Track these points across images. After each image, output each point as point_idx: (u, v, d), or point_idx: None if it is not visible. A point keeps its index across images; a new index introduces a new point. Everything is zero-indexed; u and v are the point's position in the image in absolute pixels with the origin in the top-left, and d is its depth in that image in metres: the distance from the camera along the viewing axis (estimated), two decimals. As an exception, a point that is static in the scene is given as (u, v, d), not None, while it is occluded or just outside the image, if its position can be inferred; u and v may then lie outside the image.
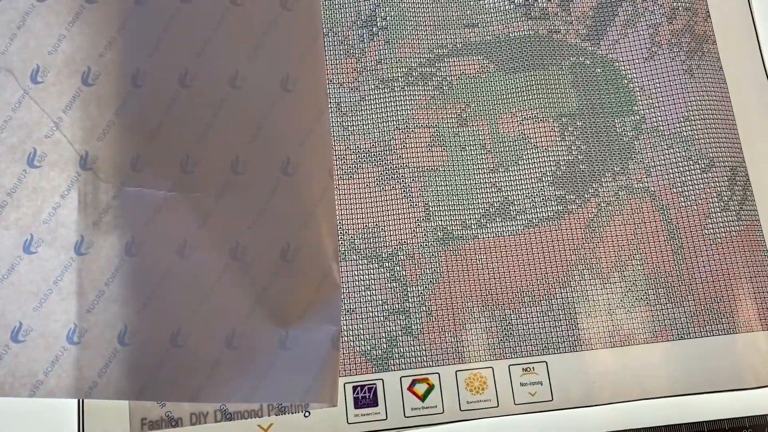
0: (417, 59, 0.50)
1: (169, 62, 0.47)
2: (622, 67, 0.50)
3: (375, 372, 0.45)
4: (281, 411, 0.44)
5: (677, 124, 0.49)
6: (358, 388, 0.45)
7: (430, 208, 0.47)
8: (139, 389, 0.43)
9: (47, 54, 0.47)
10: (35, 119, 0.46)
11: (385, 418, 0.44)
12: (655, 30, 0.51)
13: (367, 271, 0.46)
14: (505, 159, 0.49)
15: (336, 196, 0.48)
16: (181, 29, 0.47)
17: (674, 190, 0.48)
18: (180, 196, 0.46)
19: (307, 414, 0.44)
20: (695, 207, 0.48)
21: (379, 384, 0.45)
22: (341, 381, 0.45)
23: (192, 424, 0.44)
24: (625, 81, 0.50)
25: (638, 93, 0.50)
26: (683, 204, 0.48)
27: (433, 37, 0.51)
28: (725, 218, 0.48)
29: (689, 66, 0.50)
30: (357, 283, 0.46)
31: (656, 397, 0.45)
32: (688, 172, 0.48)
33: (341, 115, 0.49)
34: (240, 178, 0.46)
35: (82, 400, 0.44)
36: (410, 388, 0.45)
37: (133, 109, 0.47)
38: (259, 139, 0.46)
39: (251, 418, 0.44)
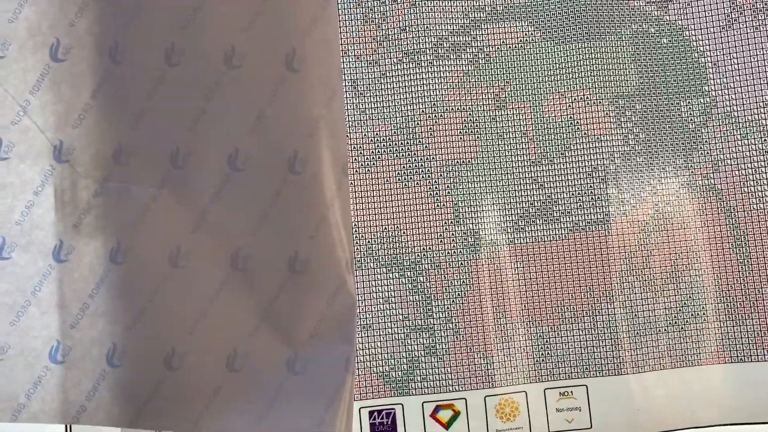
0: (449, 26, 0.43)
1: (153, 34, 0.41)
2: (693, 38, 0.44)
3: (394, 396, 0.42)
4: (290, 438, 0.41)
5: (755, 110, 0.43)
6: (375, 414, 0.42)
7: (460, 209, 0.43)
8: (131, 416, 0.40)
9: (7, 22, 0.41)
10: None
11: (404, 446, 0.42)
12: (737, -9, 0.44)
13: (386, 282, 0.43)
14: (550, 149, 0.43)
15: (350, 195, 0.43)
16: (166, -6, 0.40)
17: (745, 189, 0.43)
18: (170, 194, 0.41)
19: (318, 441, 0.41)
20: None
21: (398, 409, 0.42)
22: (356, 405, 0.42)
23: (191, 450, 0.41)
24: (696, 55, 0.44)
25: (710, 70, 0.43)
26: (755, 206, 0.43)
27: None
28: (804, 226, 0.42)
29: (775, 37, 0.43)
30: (374, 295, 0.43)
31: (710, 426, 0.42)
32: (763, 169, 0.43)
33: (357, 96, 0.43)
34: (239, 174, 0.41)
35: (70, 425, 0.41)
36: (433, 415, 0.42)
37: (112, 90, 0.41)
38: (260, 129, 0.41)
39: (257, 444, 0.41)
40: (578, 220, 0.43)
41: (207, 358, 0.41)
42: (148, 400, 0.40)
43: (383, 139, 0.43)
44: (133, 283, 0.41)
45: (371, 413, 0.42)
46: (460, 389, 0.42)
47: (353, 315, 0.41)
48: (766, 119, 0.43)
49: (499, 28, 0.44)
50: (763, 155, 0.43)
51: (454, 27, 0.43)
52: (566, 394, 0.42)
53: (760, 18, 0.43)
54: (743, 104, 0.43)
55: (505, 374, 0.42)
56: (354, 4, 0.43)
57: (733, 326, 0.42)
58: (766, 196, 0.43)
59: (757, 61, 0.43)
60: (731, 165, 0.43)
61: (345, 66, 0.43)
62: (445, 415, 0.42)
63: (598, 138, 0.43)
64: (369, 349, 0.42)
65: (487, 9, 0.44)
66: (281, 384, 0.40)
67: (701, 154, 0.43)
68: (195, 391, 0.40)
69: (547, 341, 0.42)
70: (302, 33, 0.41)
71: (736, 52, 0.43)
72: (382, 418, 0.42)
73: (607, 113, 0.43)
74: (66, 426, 0.42)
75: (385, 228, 0.42)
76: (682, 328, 0.42)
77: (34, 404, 0.40)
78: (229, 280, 0.41)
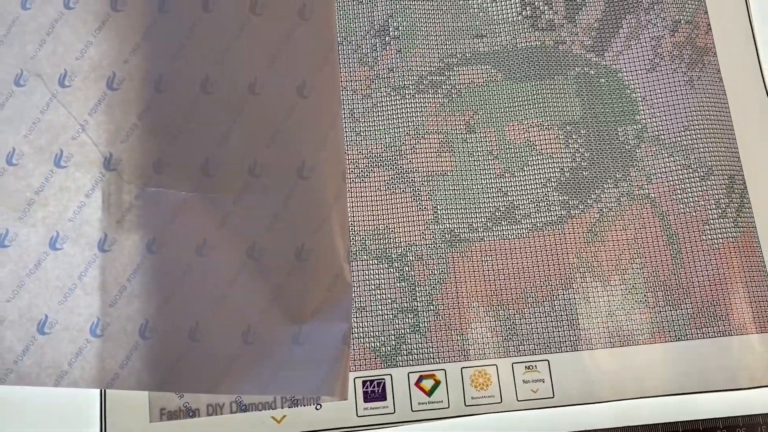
0: (427, 68, 0.52)
1: (191, 69, 0.48)
2: (626, 78, 0.52)
3: (384, 368, 0.47)
4: (294, 403, 0.46)
5: (677, 133, 0.51)
6: (368, 383, 0.46)
7: (439, 212, 0.49)
8: (159, 381, 0.44)
9: (74, 60, 0.48)
10: (62, 122, 0.48)
11: (392, 411, 0.46)
12: (658, 42, 0.53)
13: (377, 271, 0.48)
14: (512, 165, 0.50)
15: (348, 199, 0.49)
16: (203, 37, 0.49)
17: (674, 197, 0.50)
18: (199, 197, 0.47)
19: (318, 407, 0.46)
20: (694, 214, 0.50)
21: (387, 379, 0.47)
22: (351, 376, 0.47)
23: (209, 414, 0.46)
24: (628, 91, 0.52)
25: (640, 103, 0.52)
26: (682, 211, 0.50)
27: (443, 47, 0.52)
28: (722, 225, 0.49)
29: (690, 77, 0.52)
30: (367, 282, 0.48)
31: (653, 396, 0.47)
32: (687, 180, 0.50)
33: (354, 121, 0.51)
34: (258, 180, 0.47)
35: (104, 390, 0.46)
36: (417, 384, 0.47)
37: (155, 114, 0.48)
38: (276, 144, 0.48)
39: (265, 409, 0.46)
40: (536, 222, 0.49)
41: (225, 332, 0.45)
42: (174, 367, 0.45)
43: (375, 156, 0.50)
44: (164, 269, 0.46)
45: (364, 382, 0.47)
46: (440, 362, 0.47)
47: (350, 298, 0.47)
48: (686, 140, 0.51)
49: (467, 69, 0.52)
50: (686, 169, 0.50)
51: (432, 68, 0.52)
52: (531, 367, 0.47)
53: (676, 63, 0.52)
54: (668, 129, 0.51)
55: (479, 350, 0.47)
56: (351, 50, 0.52)
57: (670, 311, 0.48)
58: (690, 202, 0.50)
59: (676, 95, 0.52)
60: (662, 177, 0.50)
61: (344, 98, 0.51)
62: (427, 383, 0.47)
63: (550, 156, 0.50)
64: (363, 328, 0.47)
65: (458, 55, 0.53)
66: (287, 354, 0.45)
67: (636, 169, 0.51)
68: (214, 360, 0.45)
69: (513, 322, 0.48)
70: (312, 69, 0.49)
71: (660, 89, 0.52)
72: (374, 387, 0.46)
73: (557, 136, 0.51)
74: (101, 390, 0.46)
75: (377, 227, 0.48)
76: (627, 312, 0.48)
77: (75, 371, 0.45)
78: (245, 268, 0.46)
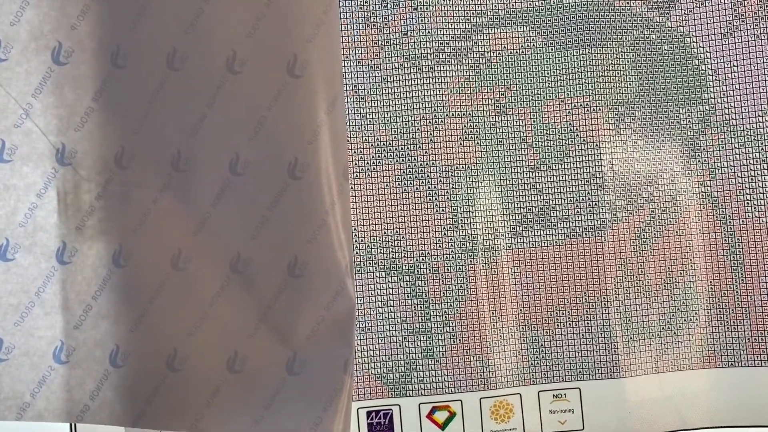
0: (450, 31, 0.43)
1: (155, 38, 0.40)
2: (695, 45, 0.43)
3: (391, 397, 0.43)
4: (289, 436, 0.42)
5: (754, 118, 0.43)
6: (372, 414, 0.42)
7: (459, 214, 0.43)
8: (134, 415, 0.41)
9: (9, 25, 0.40)
10: (1, 105, 0.41)
11: (401, 445, 0.42)
12: (740, -3, 0.43)
13: (384, 286, 0.43)
14: (549, 156, 0.43)
15: (350, 199, 0.43)
16: (167, -1, 0.40)
17: (741, 197, 0.43)
18: (172, 198, 0.41)
19: (317, 440, 0.42)
20: (764, 219, 0.43)
21: (395, 410, 0.42)
22: (354, 406, 0.42)
23: (193, 448, 0.42)
24: (696, 62, 0.43)
25: (710, 77, 0.43)
26: (750, 214, 0.43)
27: (471, 3, 0.43)
28: (798, 235, 0.42)
29: (777, 45, 0.43)
30: (373, 298, 0.43)
31: (698, 429, 0.43)
32: (759, 177, 0.43)
33: (358, 101, 0.43)
34: (240, 179, 0.41)
35: (74, 424, 0.42)
36: (429, 416, 0.42)
37: (114, 94, 0.41)
38: (261, 135, 0.41)
39: (257, 442, 0.42)
40: (575, 227, 0.43)
41: (208, 360, 0.41)
42: (151, 400, 0.41)
43: (383, 144, 0.43)
44: (135, 285, 0.41)
45: (369, 413, 0.42)
46: (456, 391, 0.42)
47: (352, 318, 0.41)
48: (764, 128, 0.43)
49: (500, 32, 0.43)
50: (760, 164, 0.43)
51: (456, 31, 0.43)
52: (559, 396, 0.42)
53: (761, 26, 0.43)
54: (742, 112, 0.43)
55: (501, 377, 0.43)
56: (356, 8, 0.43)
57: (725, 332, 0.43)
58: (761, 205, 0.43)
59: (758, 69, 0.43)
60: (728, 173, 0.43)
61: (346, 70, 0.43)
62: (441, 416, 0.42)
63: (596, 145, 0.43)
64: (367, 351, 0.43)
65: (489, 14, 0.43)
66: (280, 385, 0.41)
67: (699, 161, 0.43)
68: (196, 392, 0.41)
69: (542, 345, 0.43)
70: (304, 39, 0.41)
71: (737, 60, 0.43)
72: (380, 419, 0.42)
73: (606, 120, 0.43)
74: (70, 425, 0.42)
75: (385, 233, 0.43)
76: (674, 333, 0.43)
77: (39, 403, 0.41)
78: (229, 283, 0.41)
